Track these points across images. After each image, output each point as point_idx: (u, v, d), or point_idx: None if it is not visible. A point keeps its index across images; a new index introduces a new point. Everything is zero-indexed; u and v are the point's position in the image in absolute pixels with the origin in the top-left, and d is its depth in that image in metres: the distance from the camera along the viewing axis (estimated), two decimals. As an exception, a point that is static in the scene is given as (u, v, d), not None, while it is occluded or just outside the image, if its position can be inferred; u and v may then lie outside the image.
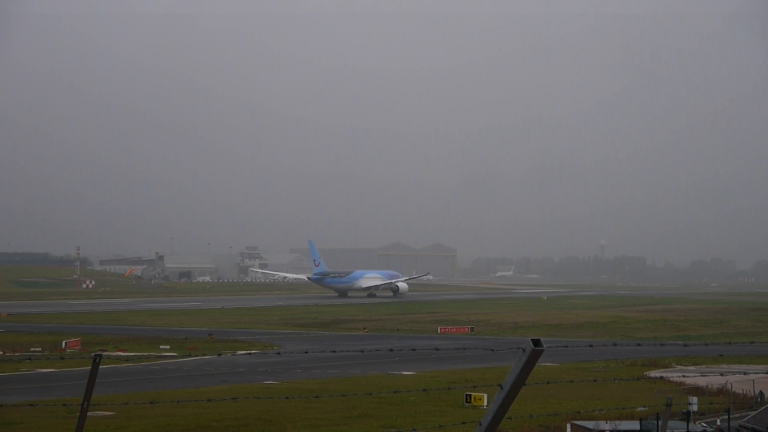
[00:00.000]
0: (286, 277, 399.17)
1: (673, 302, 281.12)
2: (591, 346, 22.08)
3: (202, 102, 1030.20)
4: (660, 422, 28.24)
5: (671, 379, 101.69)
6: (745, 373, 75.20)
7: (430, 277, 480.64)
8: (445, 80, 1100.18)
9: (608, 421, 72.93)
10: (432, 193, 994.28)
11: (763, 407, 69.25)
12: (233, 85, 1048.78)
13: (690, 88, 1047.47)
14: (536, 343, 11.89)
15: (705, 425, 70.80)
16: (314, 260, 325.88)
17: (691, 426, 62.90)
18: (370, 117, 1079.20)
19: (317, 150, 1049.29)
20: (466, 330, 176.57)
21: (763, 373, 75.21)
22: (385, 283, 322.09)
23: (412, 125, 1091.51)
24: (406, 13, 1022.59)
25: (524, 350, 11.92)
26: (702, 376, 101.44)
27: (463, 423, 63.28)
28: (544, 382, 26.51)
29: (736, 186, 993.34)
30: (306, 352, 51.96)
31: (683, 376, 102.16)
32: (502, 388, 12.01)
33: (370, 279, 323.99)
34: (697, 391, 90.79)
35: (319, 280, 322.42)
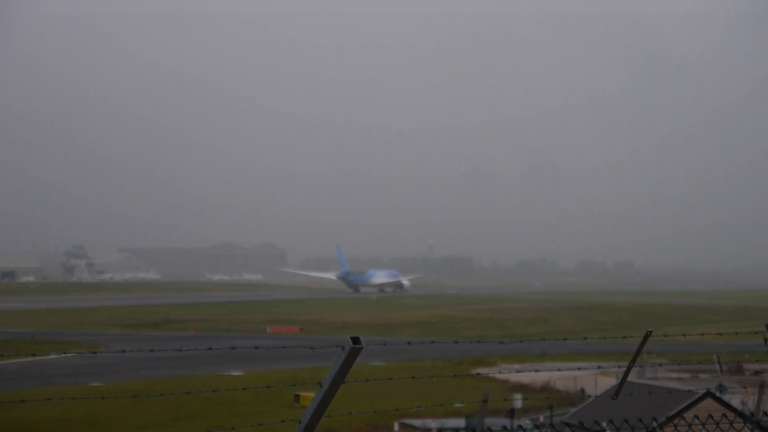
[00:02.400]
0: (308, 275, 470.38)
1: (499, 301, 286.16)
2: (409, 343, 22.57)
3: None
4: (478, 419, 28.98)
5: (497, 376, 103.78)
6: (558, 370, 77.21)
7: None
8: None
9: (435, 419, 74.16)
10: (272, 189, 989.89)
11: (584, 403, 71.24)
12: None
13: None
14: (355, 341, 12.15)
15: (529, 422, 72.49)
16: (341, 262, 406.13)
17: (515, 422, 64.33)
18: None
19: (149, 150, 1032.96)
20: (296, 330, 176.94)
21: (576, 369, 77.32)
22: (393, 281, 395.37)
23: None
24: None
25: (344, 348, 12.19)
26: (518, 372, 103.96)
27: (283, 421, 63.41)
28: (364, 380, 27.11)
29: (559, 191, 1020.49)
30: (123, 351, 51.27)
31: (499, 372, 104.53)
32: (321, 386, 12.26)
33: (381, 277, 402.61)
34: (521, 388, 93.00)
35: (345, 278, 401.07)
